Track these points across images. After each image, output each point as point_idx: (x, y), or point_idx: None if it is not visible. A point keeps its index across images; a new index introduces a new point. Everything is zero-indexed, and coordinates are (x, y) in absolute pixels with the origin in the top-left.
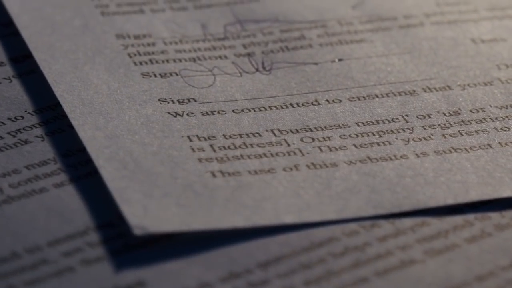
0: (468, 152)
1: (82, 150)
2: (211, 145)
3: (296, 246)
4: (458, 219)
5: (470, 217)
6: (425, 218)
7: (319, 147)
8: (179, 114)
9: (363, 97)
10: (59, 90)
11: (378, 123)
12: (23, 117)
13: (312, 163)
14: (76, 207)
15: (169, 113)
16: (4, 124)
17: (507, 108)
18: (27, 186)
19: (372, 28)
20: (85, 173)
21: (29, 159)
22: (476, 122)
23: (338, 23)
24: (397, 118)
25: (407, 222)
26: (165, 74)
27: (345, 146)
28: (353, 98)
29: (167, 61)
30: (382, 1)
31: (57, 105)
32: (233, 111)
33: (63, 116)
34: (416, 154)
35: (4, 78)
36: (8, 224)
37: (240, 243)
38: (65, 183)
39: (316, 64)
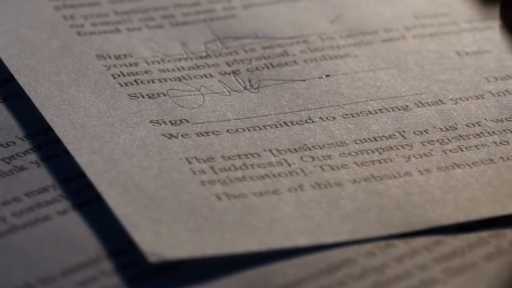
0: (471, 167)
1: (80, 175)
2: (211, 167)
3: (314, 269)
4: (471, 236)
5: (484, 234)
6: (438, 236)
7: (321, 166)
8: (173, 136)
9: (356, 113)
10: (48, 114)
11: (376, 140)
12: (14, 143)
13: (317, 183)
14: (83, 235)
15: (163, 135)
16: None
17: (502, 122)
18: (30, 215)
19: (354, 43)
20: (87, 199)
21: (28, 187)
22: (474, 137)
23: (319, 38)
24: (394, 135)
25: (421, 241)
26: (153, 94)
27: (346, 165)
28: (347, 115)
29: (152, 81)
30: (360, 14)
31: (48, 129)
32: (227, 131)
33: (56, 141)
34: (420, 171)
35: None
36: (17, 253)
37: (256, 267)
38: (68, 210)
39: (304, 80)
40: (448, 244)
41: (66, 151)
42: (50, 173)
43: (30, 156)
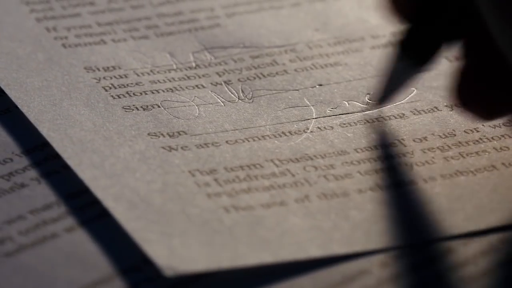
0: (475, 175)
1: (83, 191)
2: (215, 179)
3: (329, 281)
4: (483, 243)
5: (494, 240)
6: (450, 245)
7: (325, 176)
8: (173, 149)
9: (354, 122)
10: (44, 129)
11: (377, 149)
12: (12, 160)
13: (323, 194)
14: (94, 252)
15: (163, 147)
16: None
17: (500, 127)
18: (37, 233)
19: (342, 50)
20: (93, 215)
21: (31, 204)
22: (474, 143)
23: (307, 46)
24: (394, 143)
25: (433, 250)
26: (147, 106)
27: (350, 174)
28: (344, 124)
29: (145, 93)
30: (345, 21)
31: (44, 145)
32: (227, 142)
33: (54, 157)
34: (424, 180)
35: None
36: (29, 274)
37: (272, 282)
38: (75, 227)
39: (297, 90)
40: (460, 253)
41: (65, 167)
42: (52, 189)
43: (29, 172)
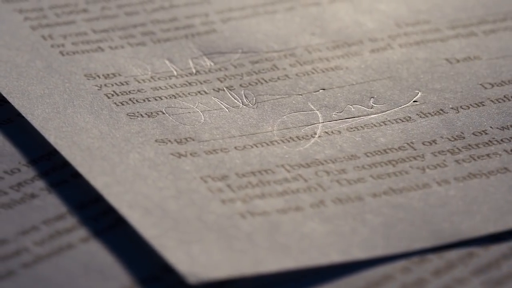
0: (488, 177)
1: (94, 200)
2: (228, 185)
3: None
4: (503, 247)
5: None
6: (470, 248)
7: (337, 181)
8: (182, 155)
9: (361, 126)
10: (51, 137)
11: (386, 152)
12: (19, 170)
13: (337, 198)
14: (111, 262)
15: (172, 154)
16: (2, 178)
17: (509, 129)
18: (53, 243)
19: (342, 54)
20: (107, 225)
21: (43, 214)
22: (484, 146)
23: (306, 50)
24: (403, 146)
25: (454, 254)
26: (151, 113)
27: (363, 178)
28: (351, 128)
29: (148, 99)
30: (341, 25)
31: (50, 154)
32: (235, 148)
33: (61, 166)
34: (438, 183)
35: None
36: (47, 285)
37: None
38: (90, 237)
39: (300, 95)
40: (482, 256)
41: (74, 177)
42: (63, 199)
43: (38, 183)
